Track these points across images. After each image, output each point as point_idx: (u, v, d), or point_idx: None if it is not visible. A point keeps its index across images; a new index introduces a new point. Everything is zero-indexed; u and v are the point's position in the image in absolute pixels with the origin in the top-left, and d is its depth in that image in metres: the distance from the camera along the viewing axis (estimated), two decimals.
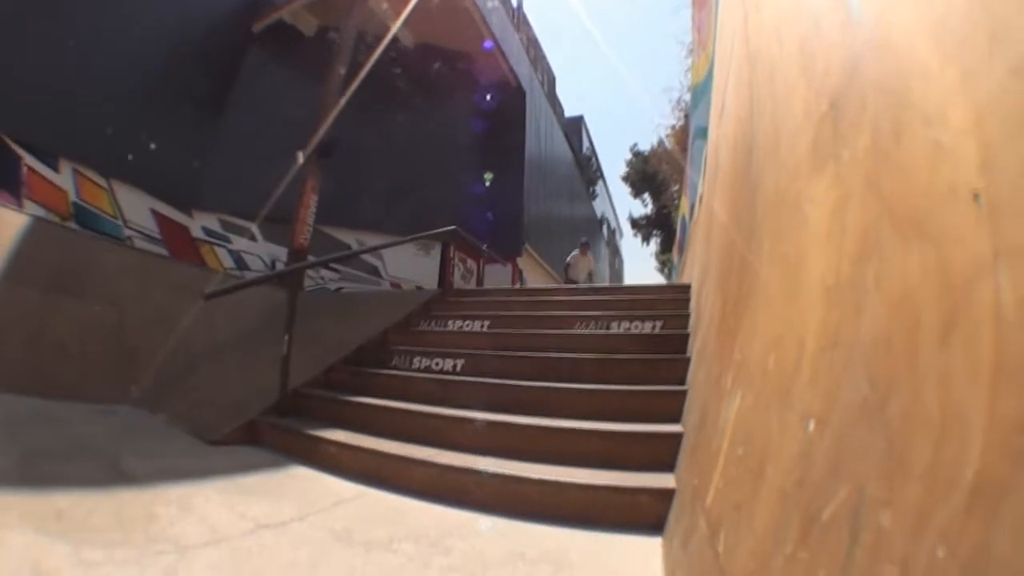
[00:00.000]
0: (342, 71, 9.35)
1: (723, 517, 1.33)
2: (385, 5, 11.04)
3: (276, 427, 3.82)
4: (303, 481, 3.03)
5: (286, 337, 4.16)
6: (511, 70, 14.39)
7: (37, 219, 5.26)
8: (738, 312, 1.90)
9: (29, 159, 8.01)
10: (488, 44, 13.04)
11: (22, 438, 3.16)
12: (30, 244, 4.69)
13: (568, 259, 11.01)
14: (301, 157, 8.64)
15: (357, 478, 3.04)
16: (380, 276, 12.27)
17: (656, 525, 2.27)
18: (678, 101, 17.95)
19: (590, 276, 10.86)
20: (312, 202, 9.00)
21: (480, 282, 10.24)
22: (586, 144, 27.87)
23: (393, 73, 12.10)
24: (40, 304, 4.47)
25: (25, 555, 1.79)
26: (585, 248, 10.88)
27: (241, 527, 2.22)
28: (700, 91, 8.90)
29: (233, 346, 5.44)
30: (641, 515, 2.35)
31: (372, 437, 3.37)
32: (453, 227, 7.37)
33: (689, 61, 13.12)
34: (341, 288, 11.31)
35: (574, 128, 25.64)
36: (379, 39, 9.53)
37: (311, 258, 8.76)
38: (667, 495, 2.33)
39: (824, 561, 0.72)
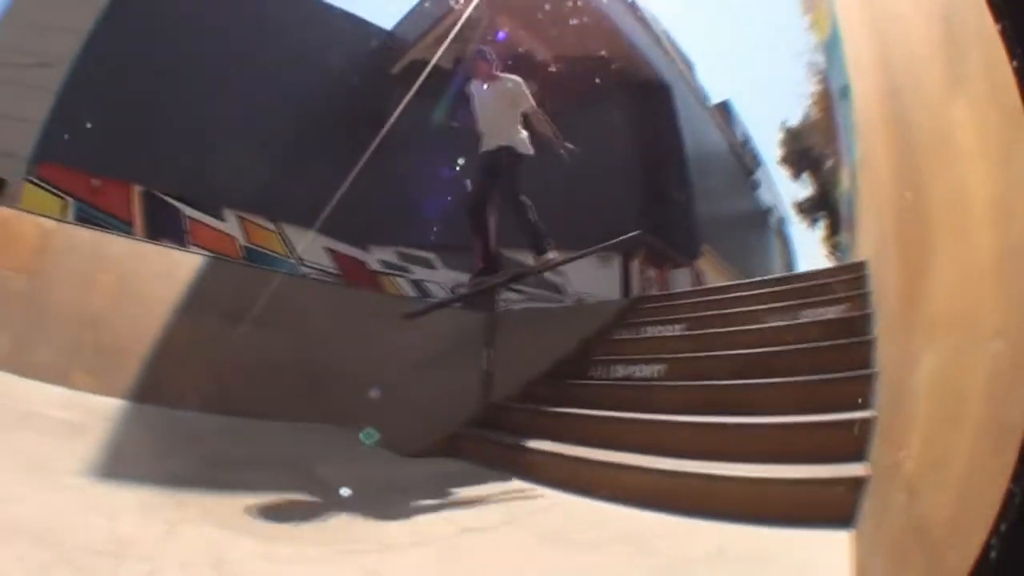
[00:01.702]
0: None
1: (921, 478, 1.26)
2: (514, 26, 11.20)
3: (477, 439, 3.96)
4: (506, 489, 3.09)
5: (485, 352, 4.29)
6: (649, 66, 14.07)
7: (210, 258, 5.88)
8: (920, 269, 1.77)
9: (191, 211, 9.36)
10: (620, 40, 12.77)
11: (209, 449, 3.38)
12: (206, 280, 5.21)
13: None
14: (470, 184, 9.04)
15: (560, 485, 3.04)
16: (563, 292, 12.21)
17: (851, 515, 2.11)
18: (810, 64, 16.45)
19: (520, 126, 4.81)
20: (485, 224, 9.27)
21: (665, 287, 9.99)
22: (739, 130, 26.30)
23: (536, 89, 12.25)
24: (224, 331, 4.90)
25: (206, 548, 1.87)
26: (485, 65, 4.83)
27: (445, 530, 2.30)
28: (830, 46, 8.14)
29: (425, 366, 5.59)
30: (837, 506, 2.19)
31: (574, 446, 3.40)
32: (633, 234, 7.24)
33: (808, 17, 12.00)
34: (528, 307, 11.55)
35: (723, 115, 24.36)
36: (516, 59, 9.70)
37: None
38: (862, 483, 2.19)
39: None
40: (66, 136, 9.43)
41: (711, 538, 2.19)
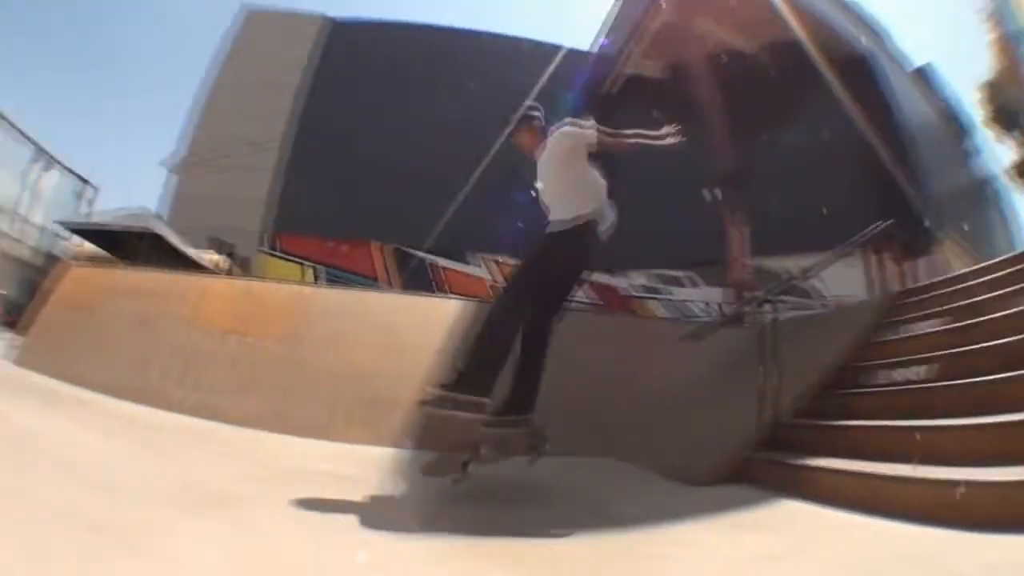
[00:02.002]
0: (705, 98, 9.25)
1: None
2: (708, 22, 11.04)
3: (758, 461, 3.89)
4: (793, 513, 2.99)
5: (760, 370, 4.26)
6: (846, 41, 13.49)
7: (467, 301, 6.11)
8: None
9: (443, 262, 9.93)
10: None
11: (490, 490, 3.36)
12: (463, 323, 5.26)
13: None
14: (707, 194, 8.65)
15: (846, 505, 2.87)
16: (817, 297, 11.79)
17: None
18: (980, 9, 14.58)
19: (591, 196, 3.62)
20: (735, 237, 9.05)
21: (916, 279, 9.33)
22: (943, 95, 23.31)
23: (747, 86, 11.68)
24: None
25: None
26: (529, 136, 3.89)
27: (740, 564, 2.27)
28: None
29: (699, 388, 5.46)
30: None
31: (857, 461, 3.24)
32: (883, 224, 6.74)
33: None
34: (789, 316, 11.10)
35: (924, 80, 21.77)
36: (719, 57, 9.43)
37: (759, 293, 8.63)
38: None
39: None
40: (295, 207, 10.52)
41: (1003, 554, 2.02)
